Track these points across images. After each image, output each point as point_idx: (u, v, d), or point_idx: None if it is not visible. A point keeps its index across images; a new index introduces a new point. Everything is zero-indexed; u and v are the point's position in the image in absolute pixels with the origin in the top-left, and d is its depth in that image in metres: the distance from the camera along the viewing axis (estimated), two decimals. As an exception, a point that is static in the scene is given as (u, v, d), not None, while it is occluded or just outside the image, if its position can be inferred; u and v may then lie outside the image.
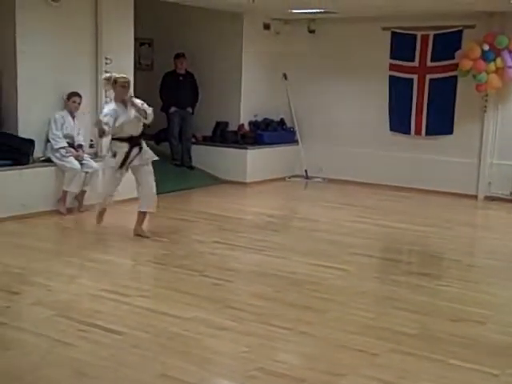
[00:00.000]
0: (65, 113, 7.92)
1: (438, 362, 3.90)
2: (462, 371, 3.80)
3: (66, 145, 7.78)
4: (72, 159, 7.71)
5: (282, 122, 11.23)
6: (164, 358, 3.85)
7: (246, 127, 10.75)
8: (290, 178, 10.99)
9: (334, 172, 10.71)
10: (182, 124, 10.41)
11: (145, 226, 6.85)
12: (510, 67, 9.04)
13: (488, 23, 9.27)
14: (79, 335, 4.14)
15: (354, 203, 9.09)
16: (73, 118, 7.95)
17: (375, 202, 9.30)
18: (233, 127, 10.65)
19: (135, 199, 6.96)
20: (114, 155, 6.60)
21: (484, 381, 3.72)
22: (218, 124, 10.67)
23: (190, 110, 10.41)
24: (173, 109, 10.27)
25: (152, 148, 10.30)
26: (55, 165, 7.68)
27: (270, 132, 10.77)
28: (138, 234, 6.75)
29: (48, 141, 7.77)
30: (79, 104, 7.97)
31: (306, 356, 3.97)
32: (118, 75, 6.63)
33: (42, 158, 7.73)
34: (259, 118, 10.90)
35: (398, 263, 6.34)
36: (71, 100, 7.92)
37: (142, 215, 6.81)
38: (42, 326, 4.30)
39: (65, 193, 7.69)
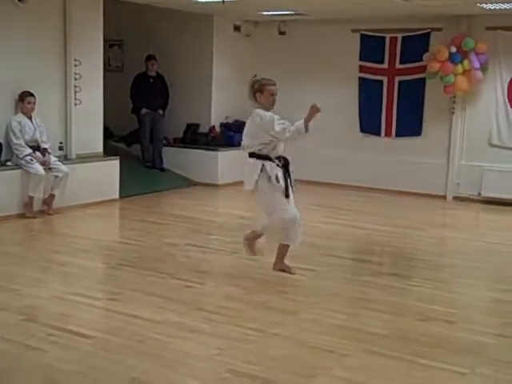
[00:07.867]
0: (21, 117, 7.50)
1: (409, 361, 3.93)
2: (432, 371, 3.84)
3: (31, 151, 7.46)
4: (37, 165, 7.43)
5: (253, 124, 11.22)
6: (135, 361, 3.82)
7: (217, 129, 10.74)
8: (261, 179, 10.99)
9: (306, 173, 10.73)
10: (152, 126, 10.37)
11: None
12: (476, 69, 9.18)
13: (455, 26, 9.40)
14: (49, 340, 4.09)
15: (326, 204, 9.14)
16: (30, 119, 7.55)
17: (346, 203, 9.36)
18: (204, 129, 10.63)
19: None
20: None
21: (453, 380, 3.76)
22: (188, 126, 10.65)
23: (160, 111, 10.37)
24: (144, 111, 10.23)
25: (123, 150, 10.44)
26: (22, 168, 7.46)
27: (241, 134, 10.74)
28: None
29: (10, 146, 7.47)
30: (34, 104, 7.56)
31: (277, 358, 3.97)
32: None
33: (10, 164, 7.49)
34: (230, 120, 10.89)
35: (369, 264, 6.37)
36: (26, 101, 7.49)
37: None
38: (10, 331, 4.24)
39: (31, 198, 7.51)
